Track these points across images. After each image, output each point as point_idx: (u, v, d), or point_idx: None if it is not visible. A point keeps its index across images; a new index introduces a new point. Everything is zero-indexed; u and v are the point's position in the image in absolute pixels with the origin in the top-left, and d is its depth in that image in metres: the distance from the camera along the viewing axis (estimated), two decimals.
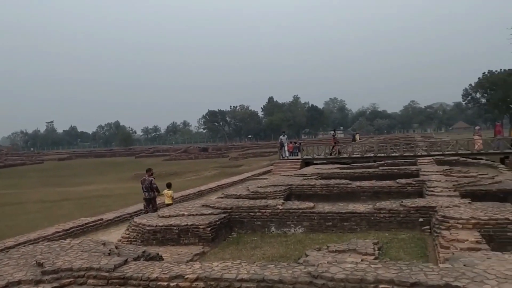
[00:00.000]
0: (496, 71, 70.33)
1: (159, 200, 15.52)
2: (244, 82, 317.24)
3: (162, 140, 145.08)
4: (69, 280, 6.15)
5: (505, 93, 54.76)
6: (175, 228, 10.80)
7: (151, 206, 14.58)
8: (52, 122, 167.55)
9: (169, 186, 15.71)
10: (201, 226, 10.70)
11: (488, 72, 72.58)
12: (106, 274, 6.14)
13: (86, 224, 13.59)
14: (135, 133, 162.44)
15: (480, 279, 5.08)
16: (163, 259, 7.95)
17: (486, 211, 9.55)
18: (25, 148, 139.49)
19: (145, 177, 14.80)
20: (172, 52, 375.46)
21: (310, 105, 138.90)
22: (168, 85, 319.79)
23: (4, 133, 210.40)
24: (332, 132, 41.86)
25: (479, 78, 75.75)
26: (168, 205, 14.85)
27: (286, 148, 31.61)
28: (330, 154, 31.56)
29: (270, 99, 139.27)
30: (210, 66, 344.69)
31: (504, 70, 66.50)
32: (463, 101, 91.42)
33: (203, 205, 12.97)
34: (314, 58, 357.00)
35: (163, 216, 11.75)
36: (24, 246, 9.25)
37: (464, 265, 5.66)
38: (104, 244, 7.99)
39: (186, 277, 5.81)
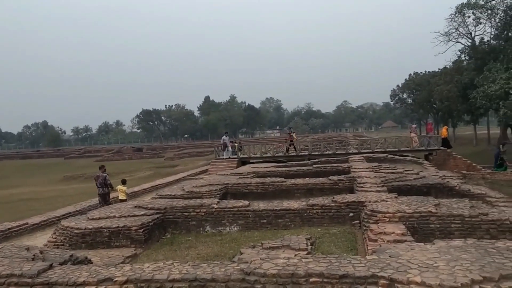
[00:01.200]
0: (421, 72, 74.41)
1: (112, 195, 16.06)
2: (180, 81, 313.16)
3: (94, 141, 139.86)
4: None
5: (429, 93, 58.00)
6: (105, 230, 10.42)
7: (104, 202, 15.21)
8: None
9: (123, 182, 16.25)
10: (133, 228, 10.40)
11: (414, 74, 76.62)
12: (29, 280, 5.78)
13: (9, 229, 12.76)
14: (65, 133, 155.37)
15: (404, 269, 5.32)
16: (92, 263, 7.64)
17: (411, 205, 10.05)
18: None
19: (99, 174, 15.43)
20: (106, 49, 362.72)
21: (246, 104, 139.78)
22: (100, 83, 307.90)
23: None
24: (289, 130, 42.32)
25: (405, 80, 79.78)
26: (122, 200, 15.36)
27: (229, 148, 31.20)
28: (287, 151, 31.85)
29: (207, 98, 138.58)
30: (146, 64, 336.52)
31: (428, 71, 70.53)
32: (391, 101, 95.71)
33: (135, 206, 12.63)
34: (251, 59, 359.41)
35: (92, 219, 11.30)
36: None
37: (390, 256, 5.91)
38: (27, 249, 7.55)
39: (115, 280, 5.61)
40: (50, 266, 6.26)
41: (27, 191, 29.45)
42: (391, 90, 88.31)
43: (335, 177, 16.36)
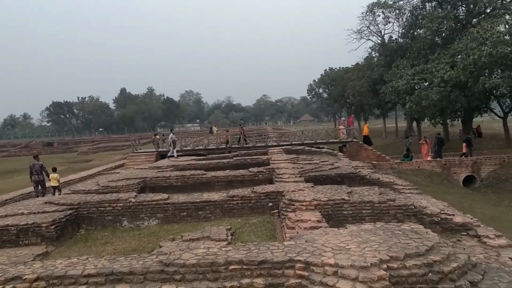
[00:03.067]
0: (335, 68, 77.50)
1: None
2: (93, 72, 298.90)
3: None
4: None
5: (342, 88, 60.59)
6: (13, 228, 9.75)
7: (40, 187, 16.44)
8: None
9: (54, 170, 17.06)
10: (44, 225, 9.84)
11: (329, 69, 79.69)
12: None
13: None
14: None
15: (318, 252, 5.56)
16: None
17: (326, 193, 10.49)
18: None
19: (34, 162, 16.60)
20: (9, 34, 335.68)
21: (165, 97, 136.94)
22: (4, 71, 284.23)
23: None
24: (240, 122, 42.22)
25: (321, 75, 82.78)
26: (54, 187, 16.38)
27: (174, 145, 29.26)
28: (238, 141, 31.49)
29: (123, 90, 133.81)
30: (55, 54, 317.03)
31: (342, 67, 73.65)
32: (308, 95, 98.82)
33: (46, 202, 11.94)
34: (168, 50, 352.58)
35: None
36: None
37: (306, 241, 6.14)
38: None
39: (24, 278, 5.29)
40: None
41: None
42: (308, 85, 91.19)
43: (255, 169, 16.60)
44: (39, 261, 6.40)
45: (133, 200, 11.64)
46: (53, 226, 9.88)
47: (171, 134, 29.38)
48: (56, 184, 16.57)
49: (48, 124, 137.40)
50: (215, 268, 5.34)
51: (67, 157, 49.99)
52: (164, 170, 18.75)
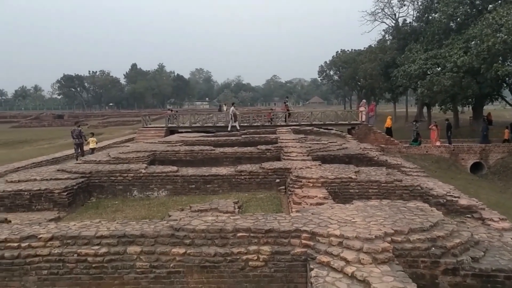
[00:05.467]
0: (348, 50, 76.79)
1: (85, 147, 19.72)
2: (105, 47, 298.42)
3: (9, 106, 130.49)
4: None
5: (354, 71, 60.06)
6: (26, 193, 10.01)
7: (79, 150, 19.11)
8: None
9: (92, 134, 21.00)
10: (56, 191, 10.09)
11: (341, 51, 78.97)
12: None
13: None
14: None
15: (324, 224, 5.70)
16: None
17: (333, 172, 10.61)
18: None
19: (75, 128, 19.53)
20: (24, 7, 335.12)
21: (175, 74, 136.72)
22: (18, 43, 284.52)
23: None
24: (285, 100, 42.12)
25: (333, 57, 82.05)
26: (93, 149, 19.69)
27: (236, 118, 29.15)
28: (285, 120, 31.52)
29: (134, 66, 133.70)
30: (68, 27, 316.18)
31: (354, 50, 72.91)
32: (318, 77, 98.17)
33: (58, 170, 12.19)
34: (181, 28, 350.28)
35: (11, 181, 10.78)
36: None
37: (312, 214, 6.28)
38: None
39: (39, 236, 5.49)
40: None
41: None
42: (319, 67, 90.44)
43: (263, 147, 16.74)
44: (53, 223, 6.60)
45: (143, 171, 11.85)
46: (65, 193, 10.12)
47: (232, 108, 29.92)
48: (94, 146, 20.09)
49: (59, 97, 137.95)
50: (223, 234, 5.50)
51: None
52: (174, 145, 18.94)
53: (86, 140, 19.79)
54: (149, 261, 5.32)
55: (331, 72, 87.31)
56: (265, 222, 5.78)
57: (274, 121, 31.70)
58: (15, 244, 5.44)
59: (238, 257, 5.31)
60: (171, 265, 5.31)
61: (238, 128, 27.94)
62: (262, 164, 12.48)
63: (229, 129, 28.16)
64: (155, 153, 16.20)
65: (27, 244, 5.45)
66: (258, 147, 16.84)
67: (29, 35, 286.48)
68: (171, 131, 29.34)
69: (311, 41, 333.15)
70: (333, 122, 30.81)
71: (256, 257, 5.32)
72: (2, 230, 5.79)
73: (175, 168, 12.33)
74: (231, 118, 28.79)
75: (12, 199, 9.93)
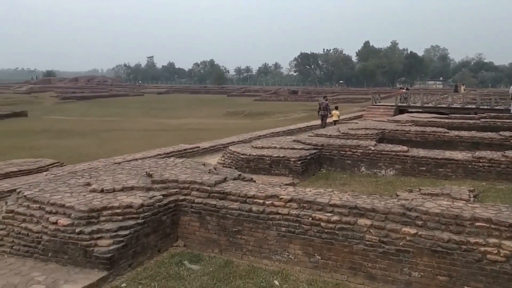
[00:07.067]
0: None
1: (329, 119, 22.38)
2: (338, 24, 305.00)
3: (253, 81, 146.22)
4: (175, 190, 6.76)
5: None
6: (267, 158, 11.24)
7: (324, 120, 21.90)
8: (152, 57, 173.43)
9: (336, 108, 23.29)
10: (292, 159, 11.02)
11: None
12: (208, 188, 6.64)
13: (184, 150, 14.54)
14: (228, 72, 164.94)
15: None
16: None
17: None
18: (128, 80, 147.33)
19: (322, 101, 22.98)
20: None
21: (408, 51, 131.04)
22: (263, 26, 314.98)
23: (109, 65, 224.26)
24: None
25: None
26: (335, 121, 22.00)
27: None
28: None
29: (366, 43, 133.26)
30: (305, 6, 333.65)
31: None
32: None
33: (294, 141, 13.24)
34: (414, 2, 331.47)
35: (256, 147, 12.22)
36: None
37: None
38: (204, 164, 8.58)
39: (281, 197, 6.13)
40: (224, 179, 7.07)
41: (195, 122, 32.41)
42: None
43: (507, 133, 14.87)
44: (290, 187, 7.27)
45: (372, 148, 11.94)
46: (300, 162, 10.98)
47: None
48: (336, 119, 22.24)
49: (294, 74, 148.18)
50: (459, 221, 5.17)
51: (309, 105, 53.29)
52: (403, 124, 18.45)
53: (330, 113, 22.02)
54: (379, 235, 5.39)
55: None
56: (510, 215, 5.19)
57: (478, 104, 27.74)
58: (261, 201, 6.20)
59: (474, 248, 4.93)
60: (400, 244, 5.28)
61: None
62: (506, 152, 11.13)
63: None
64: (384, 132, 16.07)
65: (270, 202, 6.15)
66: (501, 133, 15.02)
67: (271, 19, 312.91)
68: (400, 111, 28.56)
69: None
70: None
71: (496, 251, 4.85)
72: (250, 188, 6.66)
73: (405, 148, 12.04)
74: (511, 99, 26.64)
75: (256, 163, 11.30)
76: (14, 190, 7.58)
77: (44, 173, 10.51)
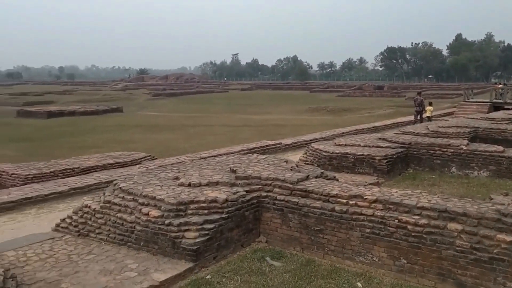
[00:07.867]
0: None
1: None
2: (427, 17, 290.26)
3: (337, 76, 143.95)
4: (257, 186, 6.88)
5: None
6: (350, 156, 11.04)
7: (418, 117, 21.80)
8: (237, 54, 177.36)
9: (430, 104, 23.20)
10: (377, 158, 10.72)
11: None
12: (290, 185, 6.67)
13: (266, 146, 14.73)
14: (311, 68, 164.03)
15: None
16: None
17: None
18: (214, 77, 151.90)
19: (417, 97, 22.56)
20: None
21: (505, 44, 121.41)
22: (345, 22, 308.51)
23: (196, 63, 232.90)
24: None
25: None
26: (429, 117, 22.08)
27: None
28: None
29: (458, 36, 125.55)
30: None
31: None
32: None
33: (379, 138, 12.88)
34: None
35: (339, 144, 12.05)
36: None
37: None
38: (286, 161, 8.62)
39: (365, 197, 5.99)
40: (307, 177, 7.07)
41: (277, 118, 32.62)
42: None
43: None
44: (375, 187, 7.08)
45: (464, 147, 11.27)
46: (385, 161, 10.65)
47: None
48: (430, 115, 22.22)
49: (380, 69, 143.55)
50: None
51: (395, 101, 51.44)
52: (499, 122, 17.21)
53: (424, 109, 21.98)
54: (470, 241, 5.08)
55: None
56: None
57: None
58: (344, 201, 6.11)
59: None
60: (494, 251, 4.94)
61: None
62: None
63: None
64: (477, 130, 15.10)
65: (354, 202, 6.03)
66: None
67: (356, 14, 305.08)
68: (495, 107, 26.69)
69: None
70: None
71: None
72: (333, 186, 6.58)
73: (500, 148, 11.24)
74: None
75: (339, 160, 11.15)
76: (111, 181, 8.16)
77: (137, 166, 11.21)
